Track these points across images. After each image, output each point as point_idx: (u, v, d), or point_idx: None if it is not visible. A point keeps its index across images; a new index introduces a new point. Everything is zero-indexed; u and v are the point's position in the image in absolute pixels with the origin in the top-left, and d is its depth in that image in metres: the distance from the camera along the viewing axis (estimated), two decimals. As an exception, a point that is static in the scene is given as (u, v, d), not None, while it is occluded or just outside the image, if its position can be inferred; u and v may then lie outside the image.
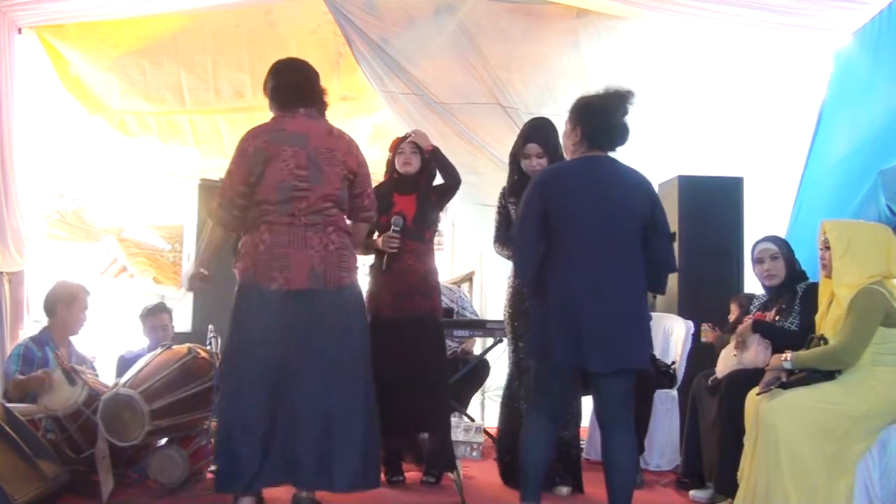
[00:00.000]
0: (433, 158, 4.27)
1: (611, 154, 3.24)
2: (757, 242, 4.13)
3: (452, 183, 4.30)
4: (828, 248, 3.58)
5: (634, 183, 3.21)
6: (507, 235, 4.02)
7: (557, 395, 3.22)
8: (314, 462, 3.17)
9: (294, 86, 3.38)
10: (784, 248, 4.04)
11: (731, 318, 4.56)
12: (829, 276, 3.60)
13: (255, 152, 3.26)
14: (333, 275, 3.26)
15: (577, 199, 3.13)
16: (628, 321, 3.11)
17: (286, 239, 3.22)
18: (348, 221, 3.45)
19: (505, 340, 4.32)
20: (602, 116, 3.18)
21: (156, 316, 5.05)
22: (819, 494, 3.27)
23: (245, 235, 3.32)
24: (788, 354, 3.51)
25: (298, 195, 3.23)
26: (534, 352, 3.29)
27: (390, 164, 4.35)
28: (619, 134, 3.20)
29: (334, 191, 3.29)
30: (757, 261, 4.07)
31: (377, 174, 6.91)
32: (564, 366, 3.11)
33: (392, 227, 4.11)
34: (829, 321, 3.56)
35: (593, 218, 3.11)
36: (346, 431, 3.23)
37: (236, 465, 3.16)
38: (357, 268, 3.42)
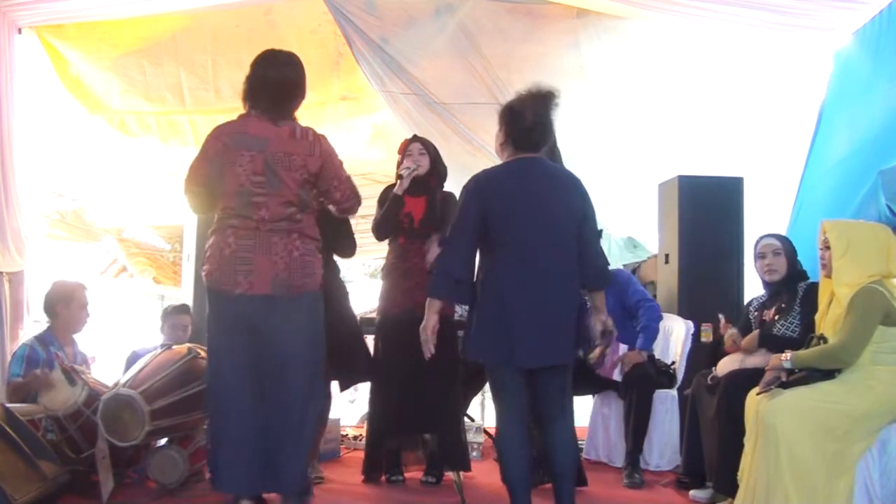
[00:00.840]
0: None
1: (538, 154, 3.31)
2: (760, 238, 4.15)
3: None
4: (828, 247, 3.59)
5: (567, 181, 3.30)
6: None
7: (516, 394, 3.25)
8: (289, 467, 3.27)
9: (266, 84, 3.32)
10: (787, 246, 4.05)
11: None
12: (828, 275, 3.60)
13: (214, 155, 3.28)
14: (296, 281, 3.27)
15: (512, 201, 3.20)
16: (562, 318, 3.18)
17: (251, 243, 3.23)
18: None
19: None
20: (520, 118, 3.26)
21: (178, 316, 5.07)
22: (819, 494, 3.27)
23: (212, 237, 3.33)
24: (788, 354, 3.52)
25: (257, 201, 3.22)
26: (470, 351, 3.29)
27: (400, 167, 4.34)
28: (538, 134, 3.27)
29: (292, 196, 3.27)
30: (759, 255, 4.08)
31: (377, 174, 6.92)
32: (506, 362, 3.18)
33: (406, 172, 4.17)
34: (829, 320, 3.56)
35: (529, 218, 3.17)
36: (298, 434, 3.30)
37: (226, 470, 3.24)
38: (321, 272, 3.39)
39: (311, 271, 3.32)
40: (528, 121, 3.24)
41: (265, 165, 3.22)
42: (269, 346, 3.24)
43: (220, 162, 3.25)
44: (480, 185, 3.27)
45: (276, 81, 3.32)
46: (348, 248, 4.25)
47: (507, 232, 3.18)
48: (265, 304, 3.22)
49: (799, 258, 4.10)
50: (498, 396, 3.32)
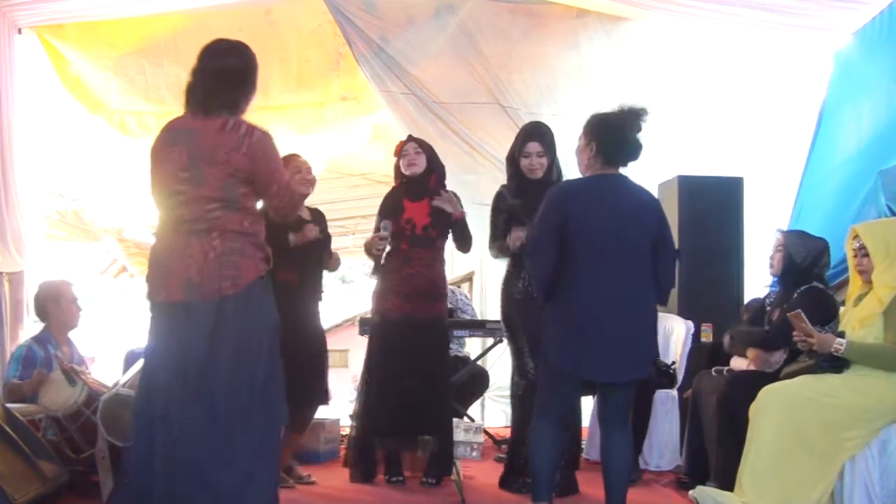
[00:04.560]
0: (458, 225, 4.25)
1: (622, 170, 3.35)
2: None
3: (462, 249, 4.37)
4: (866, 254, 3.54)
5: (644, 201, 3.33)
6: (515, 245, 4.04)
7: (565, 400, 3.33)
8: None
9: (202, 74, 3.01)
10: (791, 242, 4.02)
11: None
12: (868, 281, 3.55)
13: (152, 157, 3.04)
14: (211, 285, 2.88)
15: (592, 215, 3.22)
16: (636, 334, 3.22)
17: (168, 247, 2.97)
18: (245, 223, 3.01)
19: (505, 341, 4.31)
20: (617, 133, 3.28)
21: None
22: (802, 483, 3.28)
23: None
24: (843, 341, 3.43)
25: (180, 199, 2.94)
26: (545, 359, 3.35)
27: (397, 169, 4.32)
28: (631, 151, 3.31)
29: (214, 192, 2.91)
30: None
31: (377, 174, 6.92)
32: (573, 374, 3.22)
33: (381, 232, 4.11)
34: (855, 315, 3.53)
35: (607, 233, 3.20)
36: (218, 465, 2.83)
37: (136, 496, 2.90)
38: (251, 271, 2.96)
39: (232, 272, 2.91)
40: (627, 135, 3.27)
41: (189, 160, 2.92)
42: (190, 361, 2.86)
43: (154, 163, 3.02)
44: (565, 195, 3.31)
45: (212, 71, 3.00)
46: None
47: (583, 244, 3.20)
48: (182, 313, 2.89)
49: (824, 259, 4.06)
50: (545, 396, 3.35)
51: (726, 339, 4.20)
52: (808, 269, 3.98)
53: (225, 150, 2.92)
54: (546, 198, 3.32)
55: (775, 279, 4.18)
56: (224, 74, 3.00)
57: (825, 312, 3.81)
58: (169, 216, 3.00)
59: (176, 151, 2.95)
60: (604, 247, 3.19)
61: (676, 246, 5.39)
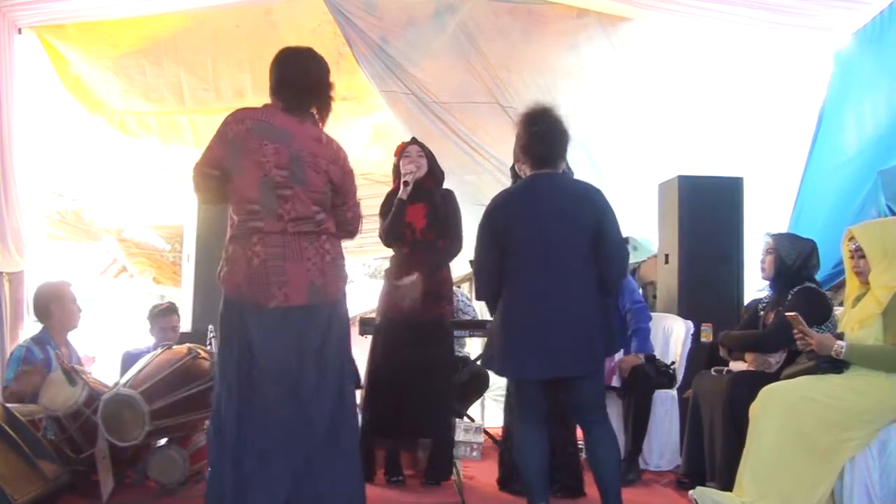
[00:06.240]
0: None
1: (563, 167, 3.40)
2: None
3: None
4: (862, 256, 3.54)
5: (578, 195, 3.32)
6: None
7: (533, 401, 3.35)
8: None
9: (299, 85, 3.16)
10: (781, 244, 4.04)
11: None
12: (865, 282, 3.55)
13: (235, 138, 3.05)
14: (333, 286, 3.08)
15: (521, 220, 3.28)
16: (571, 332, 3.20)
17: (281, 251, 3.01)
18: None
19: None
20: (520, 136, 3.37)
21: (165, 318, 5.05)
22: (803, 484, 3.29)
23: (232, 244, 3.06)
24: (843, 344, 3.43)
25: (283, 194, 3.02)
26: (489, 362, 3.43)
27: (396, 170, 4.32)
28: (537, 152, 3.32)
29: (317, 193, 3.08)
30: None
31: (377, 174, 6.90)
32: (501, 374, 3.36)
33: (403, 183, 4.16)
34: (854, 317, 3.53)
35: (535, 235, 3.24)
36: (346, 455, 3.10)
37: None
38: (346, 272, 3.24)
39: (345, 273, 3.18)
40: (527, 138, 3.33)
41: (290, 160, 3.03)
42: (310, 361, 3.01)
43: (240, 147, 3.03)
44: (495, 207, 3.37)
45: (312, 82, 3.21)
46: None
47: (514, 250, 3.26)
48: (302, 315, 3.01)
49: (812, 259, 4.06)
50: (518, 404, 3.44)
51: (721, 349, 4.21)
52: (798, 270, 3.99)
53: (325, 160, 3.12)
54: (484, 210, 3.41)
55: (768, 282, 4.19)
56: (324, 85, 3.25)
57: (820, 312, 3.82)
58: (267, 209, 3.02)
59: (272, 148, 3.04)
60: (532, 250, 3.22)
61: (665, 242, 5.44)
